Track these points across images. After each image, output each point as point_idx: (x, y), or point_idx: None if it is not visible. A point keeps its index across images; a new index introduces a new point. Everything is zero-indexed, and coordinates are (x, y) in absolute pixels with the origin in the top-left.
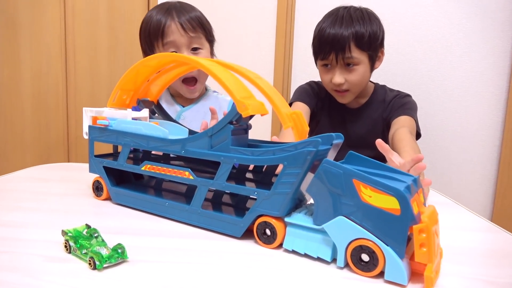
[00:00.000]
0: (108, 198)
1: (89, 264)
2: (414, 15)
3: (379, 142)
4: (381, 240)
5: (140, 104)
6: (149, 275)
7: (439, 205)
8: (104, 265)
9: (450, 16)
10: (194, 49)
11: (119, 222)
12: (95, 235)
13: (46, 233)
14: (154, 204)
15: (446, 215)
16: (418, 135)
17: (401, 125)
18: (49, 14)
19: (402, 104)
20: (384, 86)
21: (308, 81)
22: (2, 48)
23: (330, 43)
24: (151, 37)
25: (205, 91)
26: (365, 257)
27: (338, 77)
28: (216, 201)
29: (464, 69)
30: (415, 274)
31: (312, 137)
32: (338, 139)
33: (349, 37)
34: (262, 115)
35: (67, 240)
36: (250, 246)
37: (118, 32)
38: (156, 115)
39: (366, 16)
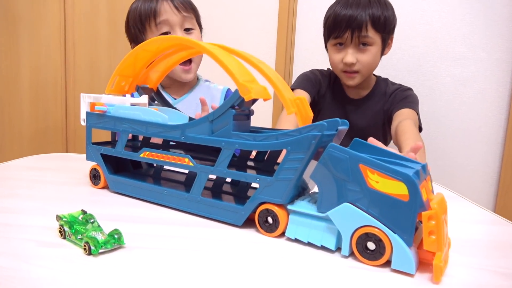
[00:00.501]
0: (105, 187)
1: (84, 249)
2: (417, 11)
3: (371, 140)
4: (388, 228)
5: (139, 91)
6: (146, 261)
7: None
8: (100, 251)
9: (453, 12)
10: (187, 30)
11: (116, 210)
12: (91, 220)
13: (41, 219)
14: (153, 192)
15: (451, 208)
16: (419, 129)
17: (404, 117)
18: (48, 6)
19: (404, 97)
20: (386, 79)
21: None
22: (1, 40)
23: (346, 22)
24: (142, 19)
25: (196, 80)
26: (371, 245)
27: (350, 57)
28: (216, 190)
29: (468, 65)
30: (423, 263)
31: (317, 122)
32: (343, 125)
33: (366, 18)
34: (264, 100)
35: (61, 225)
36: (251, 235)
37: (118, 25)
38: (156, 102)
39: (382, 1)
